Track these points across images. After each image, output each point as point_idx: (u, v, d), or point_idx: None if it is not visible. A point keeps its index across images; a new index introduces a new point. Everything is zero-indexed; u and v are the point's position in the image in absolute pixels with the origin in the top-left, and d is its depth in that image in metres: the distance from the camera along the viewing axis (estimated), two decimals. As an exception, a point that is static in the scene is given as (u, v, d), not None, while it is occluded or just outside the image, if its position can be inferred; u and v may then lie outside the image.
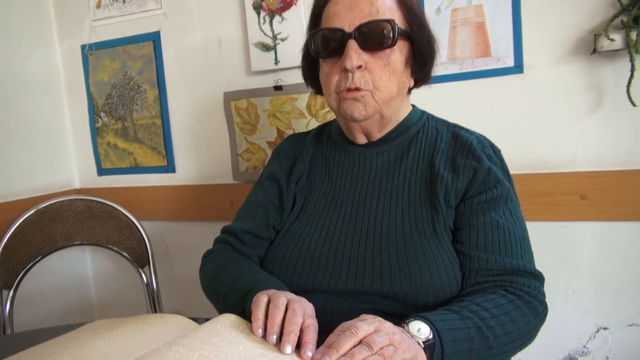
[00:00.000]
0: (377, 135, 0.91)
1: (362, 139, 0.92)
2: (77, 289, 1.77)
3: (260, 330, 0.63)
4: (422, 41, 0.86)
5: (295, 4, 1.36)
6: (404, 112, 0.93)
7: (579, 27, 1.13)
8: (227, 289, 0.82)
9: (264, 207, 0.96)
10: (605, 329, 1.20)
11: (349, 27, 0.82)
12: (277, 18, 1.39)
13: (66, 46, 1.71)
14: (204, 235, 1.52)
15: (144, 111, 1.63)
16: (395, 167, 0.89)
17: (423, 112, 0.96)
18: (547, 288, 0.80)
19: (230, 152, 1.52)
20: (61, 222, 1.48)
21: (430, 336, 0.63)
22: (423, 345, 0.62)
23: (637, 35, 1.03)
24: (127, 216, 1.49)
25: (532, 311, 0.75)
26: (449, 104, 1.25)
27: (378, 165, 0.91)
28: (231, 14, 1.47)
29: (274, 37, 1.40)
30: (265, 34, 1.41)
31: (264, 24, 1.41)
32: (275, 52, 1.40)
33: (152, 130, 1.62)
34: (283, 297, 0.66)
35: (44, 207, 1.45)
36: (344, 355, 0.55)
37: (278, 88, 1.41)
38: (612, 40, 1.04)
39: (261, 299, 0.67)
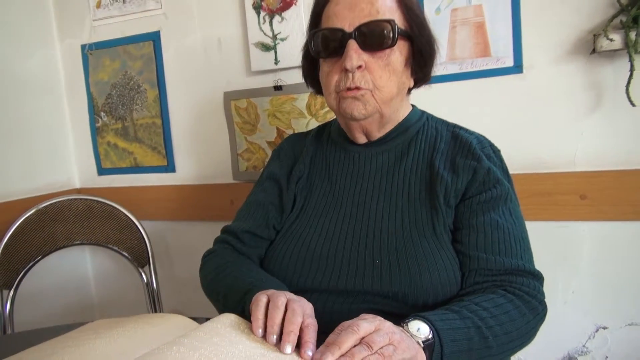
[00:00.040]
0: (377, 134, 0.91)
1: (362, 139, 0.93)
2: (78, 288, 1.77)
3: (260, 330, 0.63)
4: (422, 41, 0.86)
5: (295, 4, 1.36)
6: (403, 112, 0.93)
7: (579, 27, 1.13)
8: (227, 289, 0.82)
9: (264, 207, 0.96)
10: (604, 328, 1.20)
11: (349, 27, 0.82)
12: (277, 18, 1.39)
13: (66, 46, 1.71)
14: (204, 235, 1.52)
15: (144, 111, 1.63)
16: (395, 167, 0.89)
17: (423, 112, 0.97)
18: (547, 288, 0.80)
19: (230, 152, 1.53)
20: (61, 222, 1.48)
21: (430, 336, 0.63)
22: (422, 345, 0.62)
23: (636, 35, 1.03)
24: (127, 216, 1.49)
25: (532, 311, 0.75)
26: (449, 103, 1.25)
27: (378, 165, 0.91)
28: (231, 14, 1.47)
29: (274, 37, 1.40)
30: (265, 34, 1.41)
31: (263, 24, 1.41)
32: (275, 52, 1.41)
33: (152, 130, 1.63)
34: (282, 297, 0.66)
35: (44, 207, 1.45)
36: (344, 355, 0.56)
37: (278, 88, 1.41)
38: (611, 40, 1.04)
39: (260, 299, 0.67)
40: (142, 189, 1.67)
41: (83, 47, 1.68)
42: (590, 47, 1.12)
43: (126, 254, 1.50)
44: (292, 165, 0.99)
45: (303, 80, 1.00)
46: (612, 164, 1.14)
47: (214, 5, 1.49)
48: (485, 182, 0.83)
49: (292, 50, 1.36)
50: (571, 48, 1.15)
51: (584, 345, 1.22)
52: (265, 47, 1.41)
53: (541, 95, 1.18)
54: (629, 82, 1.06)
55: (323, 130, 1.03)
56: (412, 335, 0.63)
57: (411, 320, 0.65)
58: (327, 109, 1.36)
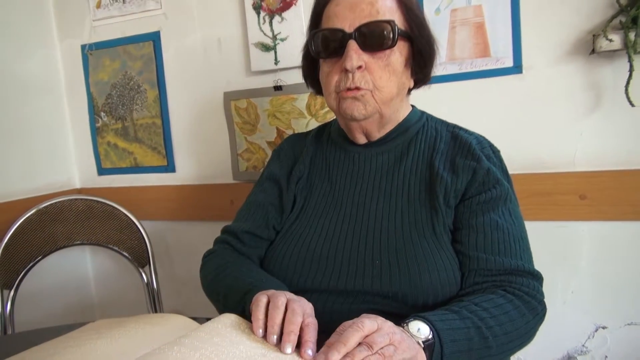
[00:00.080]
0: (377, 135, 0.92)
1: (361, 139, 0.93)
2: (78, 288, 1.77)
3: (260, 331, 0.63)
4: (422, 42, 0.87)
5: (295, 4, 1.36)
6: (403, 113, 0.93)
7: (578, 27, 1.14)
8: (227, 289, 0.82)
9: (263, 207, 0.96)
10: (604, 328, 1.20)
11: (349, 28, 0.82)
12: (276, 18, 1.39)
13: (66, 46, 1.72)
14: (204, 235, 1.52)
15: (144, 111, 1.63)
16: (395, 167, 0.90)
17: (423, 112, 0.97)
18: (546, 287, 0.81)
19: (230, 152, 1.53)
20: (62, 222, 1.48)
21: (430, 336, 0.64)
22: (423, 345, 0.63)
23: (635, 35, 1.03)
24: (127, 216, 1.49)
25: (531, 311, 0.75)
26: (448, 104, 1.25)
27: (378, 165, 0.91)
28: (231, 14, 1.47)
29: (274, 37, 1.40)
30: (265, 34, 1.41)
31: (263, 24, 1.41)
32: (275, 52, 1.41)
33: (152, 130, 1.63)
34: (282, 297, 0.66)
35: (44, 207, 1.45)
36: (345, 355, 0.56)
37: (278, 88, 1.41)
38: (610, 40, 1.05)
39: (261, 299, 0.67)
40: (142, 189, 1.67)
41: (83, 47, 1.68)
42: (589, 47, 1.13)
43: (126, 254, 1.50)
44: (292, 165, 0.99)
45: (303, 81, 1.00)
46: (612, 164, 1.15)
47: (214, 6, 1.49)
48: (485, 182, 0.83)
49: (292, 50, 1.36)
50: (570, 48, 1.15)
51: (583, 345, 1.23)
52: (265, 48, 1.42)
53: (541, 95, 1.19)
54: (628, 83, 1.07)
55: (323, 130, 1.03)
56: (412, 336, 0.63)
57: (411, 320, 0.65)
58: (327, 109, 1.37)
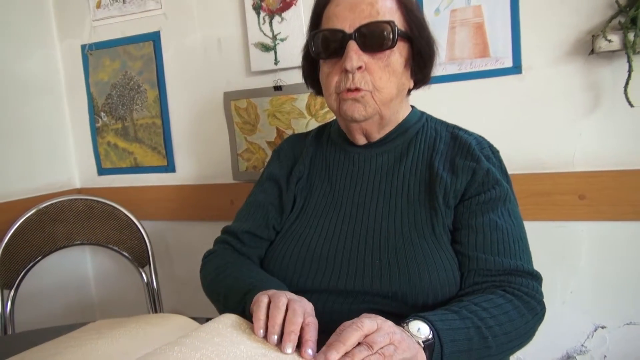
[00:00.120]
0: (377, 136, 0.92)
1: (361, 140, 0.93)
2: (78, 288, 1.77)
3: (261, 331, 0.63)
4: (421, 42, 0.87)
5: (295, 5, 1.36)
6: (403, 113, 0.93)
7: (577, 28, 1.14)
8: (227, 290, 0.83)
9: (263, 207, 0.96)
10: (603, 327, 1.21)
11: (349, 28, 0.82)
12: (276, 18, 1.39)
13: (66, 46, 1.72)
14: (204, 235, 1.53)
15: (144, 111, 1.63)
16: (395, 168, 0.90)
17: (422, 113, 0.97)
18: (545, 287, 0.81)
19: (230, 152, 1.53)
20: (62, 222, 1.48)
21: (430, 336, 0.64)
22: (423, 345, 0.63)
23: (634, 36, 1.03)
24: (127, 216, 1.50)
25: (530, 311, 0.75)
26: (448, 104, 1.25)
27: (377, 166, 0.91)
28: (231, 14, 1.47)
29: (274, 38, 1.40)
30: (265, 34, 1.41)
31: (263, 24, 1.41)
32: (275, 53, 1.41)
33: (152, 130, 1.63)
34: (283, 298, 0.66)
35: (44, 207, 1.46)
36: (345, 355, 0.56)
37: (278, 88, 1.42)
38: (609, 41, 1.05)
39: (262, 299, 0.67)
40: (142, 189, 1.67)
41: (83, 47, 1.68)
42: (588, 48, 1.13)
43: (126, 254, 1.51)
44: (292, 165, 0.99)
45: (303, 81, 1.00)
46: (611, 164, 1.15)
47: (214, 6, 1.49)
48: (484, 183, 0.83)
49: (292, 50, 1.37)
50: (570, 49, 1.15)
51: (582, 345, 1.23)
52: (265, 48, 1.42)
53: (540, 95, 1.19)
54: (627, 83, 1.07)
55: (323, 131, 1.04)
56: (412, 335, 0.63)
57: (411, 320, 0.66)
58: (326, 109, 1.37)
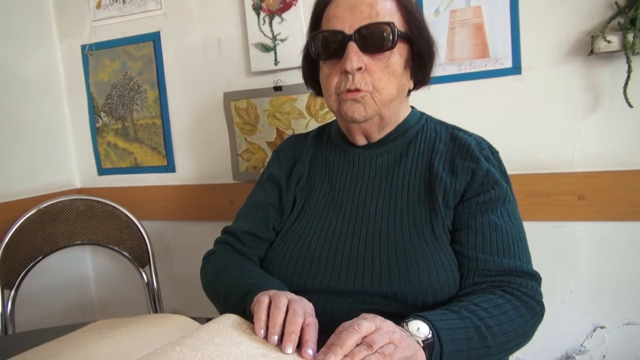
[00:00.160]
0: (377, 136, 0.92)
1: (361, 141, 0.93)
2: (78, 288, 1.78)
3: (262, 331, 0.63)
4: (421, 43, 0.87)
5: (295, 5, 1.37)
6: (403, 114, 0.93)
7: (577, 28, 1.14)
8: (227, 290, 0.83)
9: (263, 208, 0.96)
10: (602, 327, 1.21)
11: (349, 30, 0.82)
12: (276, 19, 1.39)
13: (66, 46, 1.72)
14: (204, 235, 1.53)
15: (144, 111, 1.63)
16: (395, 168, 0.90)
17: (422, 113, 0.97)
18: (545, 288, 0.81)
19: (230, 152, 1.53)
20: (62, 222, 1.49)
21: (430, 335, 0.64)
22: (422, 344, 0.63)
23: (634, 36, 1.03)
24: (127, 216, 1.50)
25: (530, 311, 0.75)
26: (448, 104, 1.26)
27: (377, 166, 0.91)
28: (231, 15, 1.47)
29: (274, 38, 1.41)
30: (265, 34, 1.41)
31: (263, 24, 1.41)
32: (275, 53, 1.41)
33: (152, 130, 1.63)
34: (284, 298, 0.67)
35: (44, 207, 1.46)
36: (345, 355, 0.56)
37: (278, 88, 1.42)
38: (609, 41, 1.05)
39: (263, 299, 0.67)
40: (142, 189, 1.67)
41: (83, 47, 1.68)
42: (588, 48, 1.13)
43: (126, 254, 1.51)
44: (292, 166, 1.00)
45: (303, 81, 1.01)
46: (610, 165, 1.15)
47: (213, 6, 1.49)
48: (484, 183, 0.84)
49: (292, 51, 1.37)
50: (569, 49, 1.16)
51: (581, 345, 1.23)
52: (265, 48, 1.42)
53: (539, 96, 1.19)
54: (626, 84, 1.07)
55: (323, 131, 1.04)
56: (411, 335, 0.63)
57: (411, 320, 0.66)
58: (326, 109, 1.37)
